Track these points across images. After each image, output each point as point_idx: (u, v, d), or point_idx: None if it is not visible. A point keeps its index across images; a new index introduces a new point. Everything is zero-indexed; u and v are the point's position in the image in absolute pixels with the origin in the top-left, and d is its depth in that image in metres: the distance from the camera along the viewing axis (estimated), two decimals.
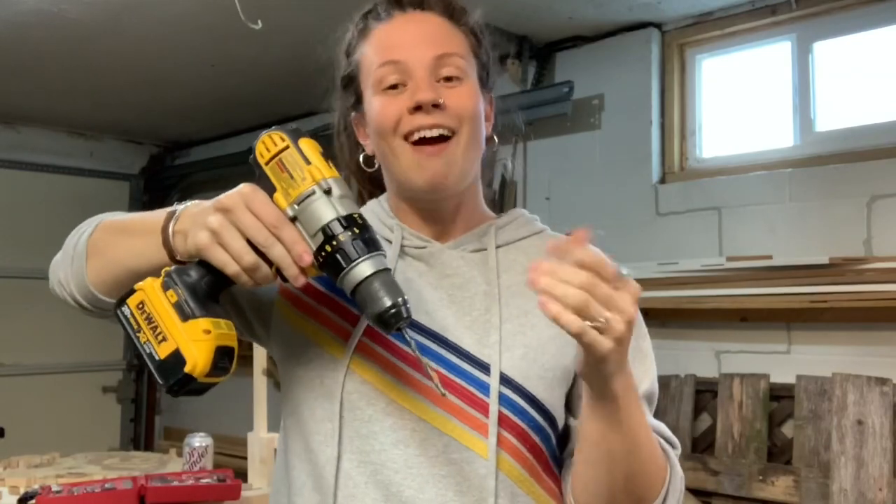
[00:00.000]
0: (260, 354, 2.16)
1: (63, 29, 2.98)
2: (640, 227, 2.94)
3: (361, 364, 0.97)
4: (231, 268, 0.81)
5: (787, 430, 2.52)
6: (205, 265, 0.81)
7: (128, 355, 4.86)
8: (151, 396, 4.89)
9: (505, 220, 1.10)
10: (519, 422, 0.96)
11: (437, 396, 0.94)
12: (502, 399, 0.96)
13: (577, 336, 0.78)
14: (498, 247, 1.07)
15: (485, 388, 0.96)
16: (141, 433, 4.85)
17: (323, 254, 0.81)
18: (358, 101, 1.07)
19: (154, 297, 0.77)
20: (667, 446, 0.97)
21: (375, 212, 1.09)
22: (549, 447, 1.01)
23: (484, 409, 0.95)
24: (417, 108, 0.98)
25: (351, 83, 1.08)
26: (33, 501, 1.90)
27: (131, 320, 0.78)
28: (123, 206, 4.88)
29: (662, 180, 2.98)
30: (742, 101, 2.91)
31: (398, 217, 1.08)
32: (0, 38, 3.07)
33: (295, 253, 0.82)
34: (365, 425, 0.96)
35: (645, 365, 1.02)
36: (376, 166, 1.08)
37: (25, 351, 4.45)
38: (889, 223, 2.43)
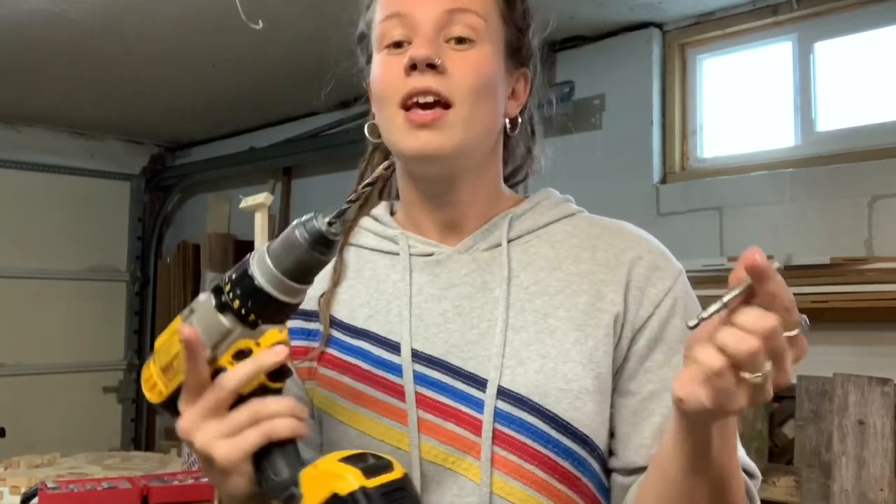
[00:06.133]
0: None
1: (63, 29, 2.97)
2: (641, 228, 2.93)
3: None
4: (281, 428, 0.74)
5: (788, 430, 2.51)
6: (257, 462, 0.76)
7: (128, 355, 4.86)
8: None
9: (525, 206, 0.96)
10: (537, 445, 0.84)
11: (427, 425, 0.85)
12: (504, 417, 0.84)
13: (711, 376, 0.61)
14: (513, 240, 0.93)
15: (481, 405, 0.84)
16: (142, 433, 4.84)
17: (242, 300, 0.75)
18: (368, 62, 0.95)
19: None
20: (748, 481, 0.84)
21: (371, 229, 0.98)
22: (588, 473, 0.86)
23: (478, 430, 0.84)
24: (413, 68, 0.85)
25: (362, 41, 0.97)
26: (35, 500, 1.90)
27: None
28: (125, 206, 4.89)
29: (663, 180, 2.98)
30: (743, 101, 2.90)
31: (403, 221, 0.97)
32: (0, 38, 3.07)
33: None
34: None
35: None
36: (379, 136, 0.94)
37: (26, 351, 4.44)
38: (890, 223, 2.42)
